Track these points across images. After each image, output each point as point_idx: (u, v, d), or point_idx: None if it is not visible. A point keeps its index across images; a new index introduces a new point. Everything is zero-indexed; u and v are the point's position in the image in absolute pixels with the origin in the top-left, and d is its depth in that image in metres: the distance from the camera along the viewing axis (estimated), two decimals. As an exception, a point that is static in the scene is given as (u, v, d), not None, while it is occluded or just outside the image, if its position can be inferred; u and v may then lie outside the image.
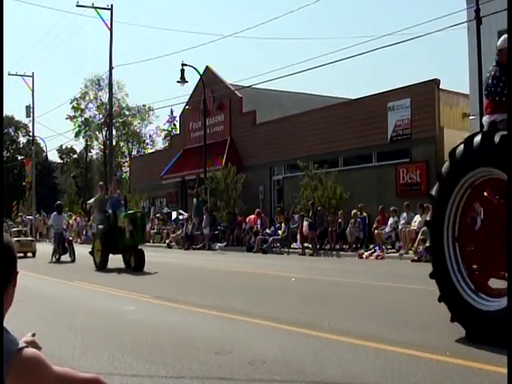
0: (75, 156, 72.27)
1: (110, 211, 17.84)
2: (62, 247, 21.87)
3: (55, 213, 23.45)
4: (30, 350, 1.80)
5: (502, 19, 19.25)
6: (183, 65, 30.86)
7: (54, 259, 21.67)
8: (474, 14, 19.88)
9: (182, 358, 6.19)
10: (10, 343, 1.78)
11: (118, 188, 18.91)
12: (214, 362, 5.93)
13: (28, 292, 11.49)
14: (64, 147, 69.94)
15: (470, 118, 21.93)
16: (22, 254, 24.63)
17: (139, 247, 17.05)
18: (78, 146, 71.68)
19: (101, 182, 21.70)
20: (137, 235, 16.89)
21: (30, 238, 27.17)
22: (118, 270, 16.75)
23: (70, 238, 22.41)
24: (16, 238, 25.11)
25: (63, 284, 14.40)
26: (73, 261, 21.26)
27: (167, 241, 31.72)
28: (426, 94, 24.01)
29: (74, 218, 40.52)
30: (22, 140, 78.55)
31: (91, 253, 18.12)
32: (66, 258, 21.72)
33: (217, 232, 29.36)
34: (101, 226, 18.17)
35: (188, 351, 6.47)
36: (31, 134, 61.29)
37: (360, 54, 24.92)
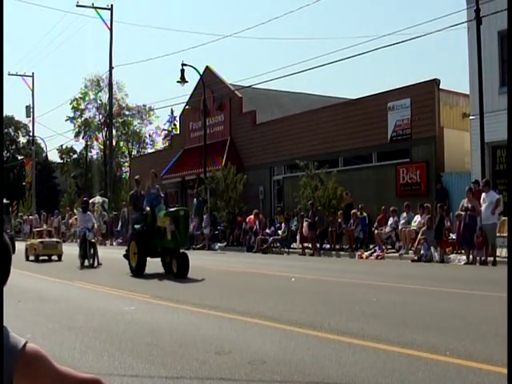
0: (75, 156, 72.24)
1: (147, 209, 15.73)
2: (84, 250, 19.26)
3: (81, 210, 20.99)
4: (31, 346, 1.82)
5: (502, 19, 19.30)
6: (183, 65, 30.85)
7: (81, 264, 19.19)
8: (474, 13, 19.88)
9: (182, 358, 6.19)
10: (13, 340, 1.79)
11: (155, 183, 16.68)
12: (213, 362, 5.94)
13: (28, 292, 11.50)
14: (64, 147, 69.96)
15: (470, 117, 21.92)
16: (46, 257, 22.28)
17: (182, 250, 15.11)
18: (78, 146, 71.68)
19: (137, 176, 18.52)
20: (179, 236, 14.80)
21: (55, 239, 23.98)
22: (159, 276, 15.03)
23: (93, 240, 19.56)
24: (39, 240, 22.72)
25: (63, 284, 14.40)
26: (91, 265, 18.72)
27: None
28: (426, 94, 24.00)
29: (74, 217, 40.46)
30: (22, 140, 78.57)
31: (126, 256, 16.11)
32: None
33: (217, 232, 29.36)
34: (137, 226, 15.98)
35: (188, 351, 6.47)
36: (31, 134, 61.34)
37: (360, 54, 24.96)
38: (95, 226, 20.96)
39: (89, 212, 21.23)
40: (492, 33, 20.65)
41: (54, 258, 22.39)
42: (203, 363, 5.91)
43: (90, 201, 42.61)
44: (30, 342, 1.83)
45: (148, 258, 15.62)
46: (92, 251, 19.05)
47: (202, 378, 5.47)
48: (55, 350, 6.53)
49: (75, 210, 23.12)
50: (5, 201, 32.30)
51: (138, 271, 15.36)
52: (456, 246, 18.89)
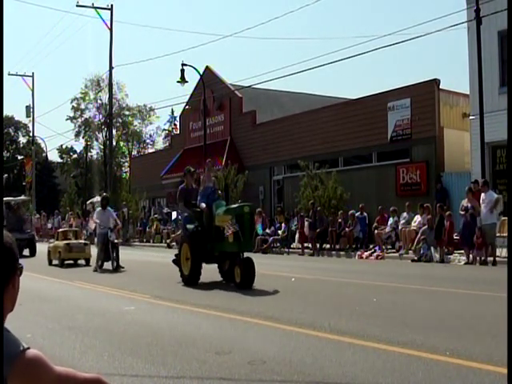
0: (75, 156, 72.27)
1: (202, 205, 13.31)
2: (105, 252, 17.61)
3: (99, 208, 18.86)
4: (32, 351, 1.81)
5: (502, 19, 19.29)
6: (183, 65, 30.81)
7: (97, 268, 17.52)
8: (474, 13, 19.87)
9: (182, 358, 6.19)
10: (12, 344, 1.79)
11: (211, 174, 14.52)
12: (213, 362, 5.94)
13: (28, 292, 11.49)
14: (64, 147, 70.01)
15: (470, 117, 21.91)
16: (71, 261, 20.00)
17: (245, 254, 12.56)
18: (78, 146, 71.72)
19: (190, 167, 15.54)
20: (243, 238, 12.25)
21: (82, 241, 21.30)
22: (219, 286, 12.87)
23: (116, 241, 17.79)
24: (65, 241, 20.18)
25: (63, 284, 14.40)
26: (115, 269, 17.12)
27: (167, 241, 31.72)
28: (426, 94, 24.00)
29: (72, 218, 40.48)
30: (22, 140, 78.58)
31: (176, 262, 13.75)
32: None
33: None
34: (190, 226, 13.47)
35: (188, 351, 6.47)
36: (31, 134, 61.32)
37: (360, 54, 24.91)
38: (119, 224, 19.10)
39: (109, 208, 18.91)
40: (492, 33, 20.64)
41: (81, 262, 20.03)
42: (203, 363, 5.91)
43: (89, 201, 42.72)
44: (30, 344, 1.83)
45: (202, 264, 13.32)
46: (115, 254, 17.44)
47: (202, 377, 5.47)
48: (55, 350, 6.53)
49: (95, 212, 20.28)
50: (23, 197, 31.92)
51: (191, 280, 12.97)
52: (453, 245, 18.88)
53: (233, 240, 12.28)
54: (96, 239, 18.54)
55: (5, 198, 30.33)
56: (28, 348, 1.80)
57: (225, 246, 12.77)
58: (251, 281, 12.04)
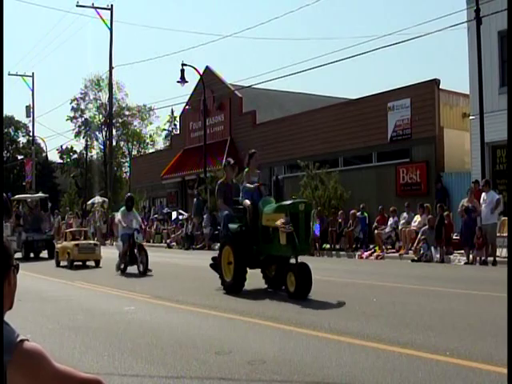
0: (75, 156, 72.29)
1: (246, 202, 11.43)
2: (130, 255, 16.34)
3: (123, 208, 17.52)
4: (31, 343, 1.82)
5: (502, 19, 19.30)
6: (183, 65, 30.86)
7: (118, 270, 16.57)
8: (474, 13, 19.87)
9: (182, 358, 6.19)
10: (11, 335, 1.80)
11: (255, 167, 12.54)
12: (213, 362, 5.94)
13: (28, 292, 11.50)
14: (64, 147, 70.04)
15: (470, 118, 21.91)
16: (80, 263, 19.16)
17: (299, 259, 10.63)
18: (78, 146, 71.75)
19: (230, 159, 13.53)
20: (299, 240, 10.32)
21: (92, 242, 20.57)
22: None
23: (144, 242, 17.09)
24: (74, 242, 19.50)
25: (63, 284, 14.41)
26: (143, 273, 15.69)
27: (167, 241, 31.74)
28: (425, 94, 24.00)
29: (72, 218, 40.47)
30: (22, 140, 78.62)
31: (214, 266, 12.12)
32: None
33: (217, 232, 29.28)
34: (233, 226, 11.54)
35: (188, 351, 6.47)
36: (31, 133, 61.35)
37: (360, 54, 24.95)
38: (143, 225, 17.90)
39: (134, 209, 17.74)
40: (492, 33, 20.64)
41: (90, 263, 19.29)
42: (203, 363, 5.91)
43: (90, 201, 42.72)
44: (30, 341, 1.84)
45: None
46: (144, 256, 15.99)
47: (202, 378, 5.47)
48: (55, 350, 6.52)
49: (119, 213, 18.21)
50: (40, 194, 31.53)
51: (235, 287, 11.29)
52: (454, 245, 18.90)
53: (286, 242, 10.42)
54: (119, 241, 17.42)
55: (21, 196, 30.02)
56: (27, 339, 1.81)
57: (275, 249, 11.00)
58: (308, 290, 10.41)
